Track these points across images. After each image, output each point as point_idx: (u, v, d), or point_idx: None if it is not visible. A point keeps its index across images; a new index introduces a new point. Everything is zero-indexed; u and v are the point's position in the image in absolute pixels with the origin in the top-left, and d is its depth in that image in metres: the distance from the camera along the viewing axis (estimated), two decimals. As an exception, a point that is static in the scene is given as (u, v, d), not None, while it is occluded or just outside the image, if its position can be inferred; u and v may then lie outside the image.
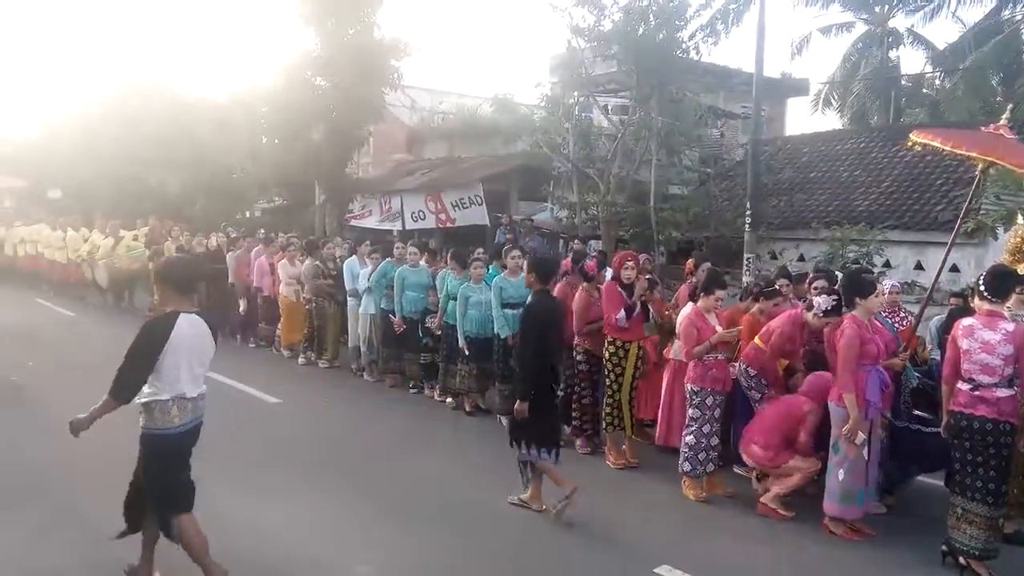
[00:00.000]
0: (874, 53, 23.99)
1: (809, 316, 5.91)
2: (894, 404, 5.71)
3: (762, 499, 5.61)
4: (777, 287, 6.72)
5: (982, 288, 4.72)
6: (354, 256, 10.17)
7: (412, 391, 9.07)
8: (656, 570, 4.59)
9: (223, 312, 11.27)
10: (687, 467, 5.85)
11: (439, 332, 8.46)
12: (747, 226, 12.21)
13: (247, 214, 22.41)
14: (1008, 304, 4.87)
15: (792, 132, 22.61)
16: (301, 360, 10.58)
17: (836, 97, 25.12)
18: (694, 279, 7.18)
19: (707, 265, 7.20)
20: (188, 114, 20.62)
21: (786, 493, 5.55)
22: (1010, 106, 7.26)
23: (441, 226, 16.83)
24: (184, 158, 19.77)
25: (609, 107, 16.14)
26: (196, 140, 19.84)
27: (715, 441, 5.85)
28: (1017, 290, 5.03)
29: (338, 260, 10.57)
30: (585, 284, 6.92)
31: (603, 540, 5.12)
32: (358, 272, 9.78)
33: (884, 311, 6.05)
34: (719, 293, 5.96)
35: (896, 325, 6.43)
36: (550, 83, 15.53)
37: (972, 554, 4.62)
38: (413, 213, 17.51)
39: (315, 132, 17.25)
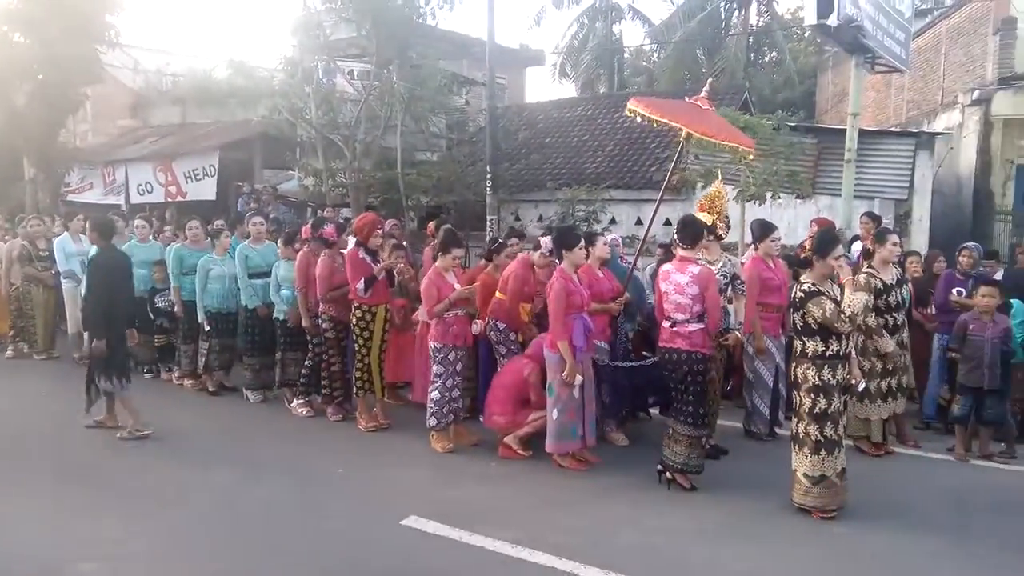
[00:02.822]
0: (599, 27, 25.87)
1: (535, 256, 6.37)
2: (613, 345, 6.33)
3: (504, 440, 5.99)
4: (508, 245, 7.10)
5: (676, 237, 5.37)
6: (66, 233, 9.19)
7: (147, 375, 8.42)
8: (403, 521, 4.73)
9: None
10: (433, 421, 6.07)
11: (174, 310, 7.97)
12: (488, 189, 12.71)
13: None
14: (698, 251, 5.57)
15: (532, 100, 23.77)
16: (9, 353, 9.39)
17: (571, 67, 26.79)
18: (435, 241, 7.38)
19: (446, 227, 7.43)
20: None
21: (526, 435, 5.96)
22: (710, 80, 8.23)
23: (170, 199, 15.59)
24: None
25: (355, 72, 15.83)
26: None
27: (456, 394, 6.12)
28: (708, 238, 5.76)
29: (50, 239, 9.48)
30: (327, 250, 6.85)
31: (353, 497, 5.19)
32: (72, 251, 8.86)
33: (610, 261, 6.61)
34: (456, 252, 6.21)
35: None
36: (291, 46, 14.88)
37: (676, 468, 5.28)
38: (139, 186, 16.01)
39: (18, 95, 15.09)
